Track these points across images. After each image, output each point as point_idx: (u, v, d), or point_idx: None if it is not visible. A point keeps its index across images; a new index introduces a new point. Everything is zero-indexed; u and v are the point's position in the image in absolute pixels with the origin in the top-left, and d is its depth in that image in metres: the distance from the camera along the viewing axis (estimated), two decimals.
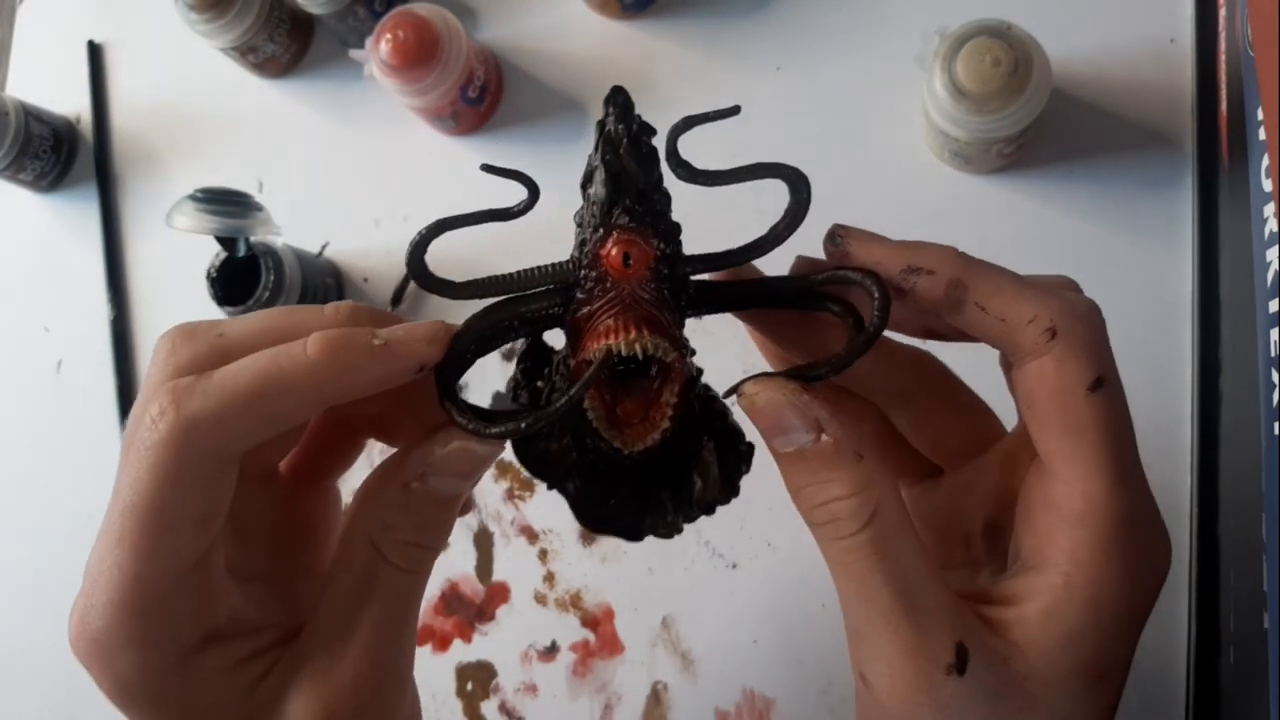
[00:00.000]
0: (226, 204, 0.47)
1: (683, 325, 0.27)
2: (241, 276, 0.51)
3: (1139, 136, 0.44)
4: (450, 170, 0.55)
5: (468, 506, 0.38)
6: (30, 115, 0.62)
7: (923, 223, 0.47)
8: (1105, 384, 0.26)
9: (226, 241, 0.49)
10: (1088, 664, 0.25)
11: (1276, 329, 0.31)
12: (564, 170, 0.54)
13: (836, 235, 0.27)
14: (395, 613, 0.28)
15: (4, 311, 0.65)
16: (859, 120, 0.49)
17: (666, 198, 0.27)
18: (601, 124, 0.27)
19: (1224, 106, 0.41)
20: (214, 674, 0.26)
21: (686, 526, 0.30)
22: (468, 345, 0.27)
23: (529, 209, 0.27)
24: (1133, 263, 0.43)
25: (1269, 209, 0.32)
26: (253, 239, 0.50)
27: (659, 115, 0.55)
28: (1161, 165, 0.44)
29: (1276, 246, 0.31)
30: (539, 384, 0.28)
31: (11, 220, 0.66)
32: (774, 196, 0.30)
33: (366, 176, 0.57)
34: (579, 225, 0.27)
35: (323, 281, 0.54)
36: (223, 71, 0.62)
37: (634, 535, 0.29)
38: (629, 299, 0.26)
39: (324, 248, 0.57)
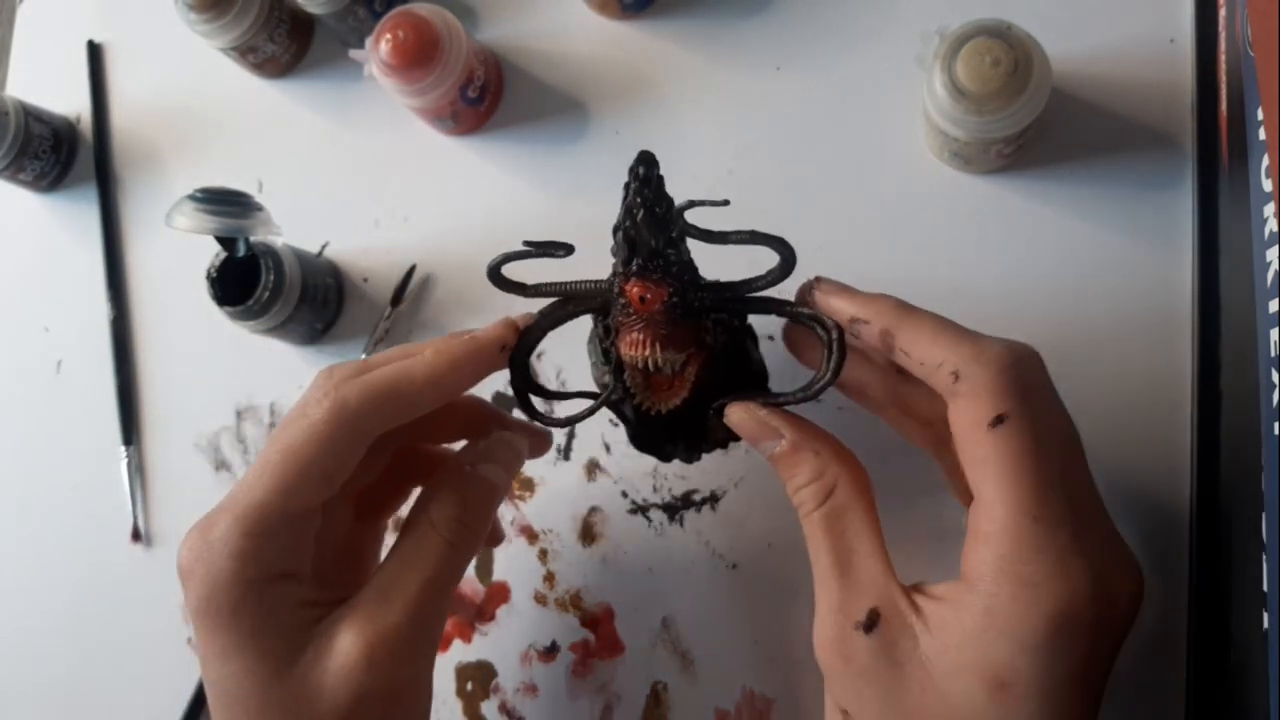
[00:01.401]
0: (226, 204, 0.47)
1: (702, 321, 0.35)
2: (241, 276, 0.51)
3: (1139, 136, 0.44)
4: (450, 170, 0.55)
5: (498, 536, 0.46)
6: (30, 115, 0.62)
7: (922, 223, 0.47)
8: (1007, 420, 0.29)
9: (226, 241, 0.49)
10: (982, 668, 0.28)
11: (1276, 329, 0.31)
12: (564, 170, 0.54)
13: (811, 287, 0.35)
14: (436, 579, 0.34)
15: (4, 311, 0.65)
16: (859, 120, 0.49)
17: (679, 246, 0.34)
18: (627, 186, 0.34)
19: (1224, 106, 0.41)
20: (285, 603, 0.33)
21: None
22: (534, 340, 0.37)
23: (568, 255, 0.35)
24: (1133, 263, 0.43)
25: (1269, 209, 0.32)
26: (253, 239, 0.50)
27: (659, 115, 0.55)
28: (1161, 165, 0.44)
29: (1276, 246, 0.31)
30: (606, 346, 0.38)
31: (11, 220, 0.66)
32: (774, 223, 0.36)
33: (366, 176, 0.57)
34: (612, 252, 0.35)
35: (323, 281, 0.54)
36: (223, 71, 0.62)
37: (663, 458, 0.40)
38: (649, 320, 0.34)
39: (324, 248, 0.57)
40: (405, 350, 0.36)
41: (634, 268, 0.34)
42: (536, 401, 0.38)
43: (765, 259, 0.35)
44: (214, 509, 0.33)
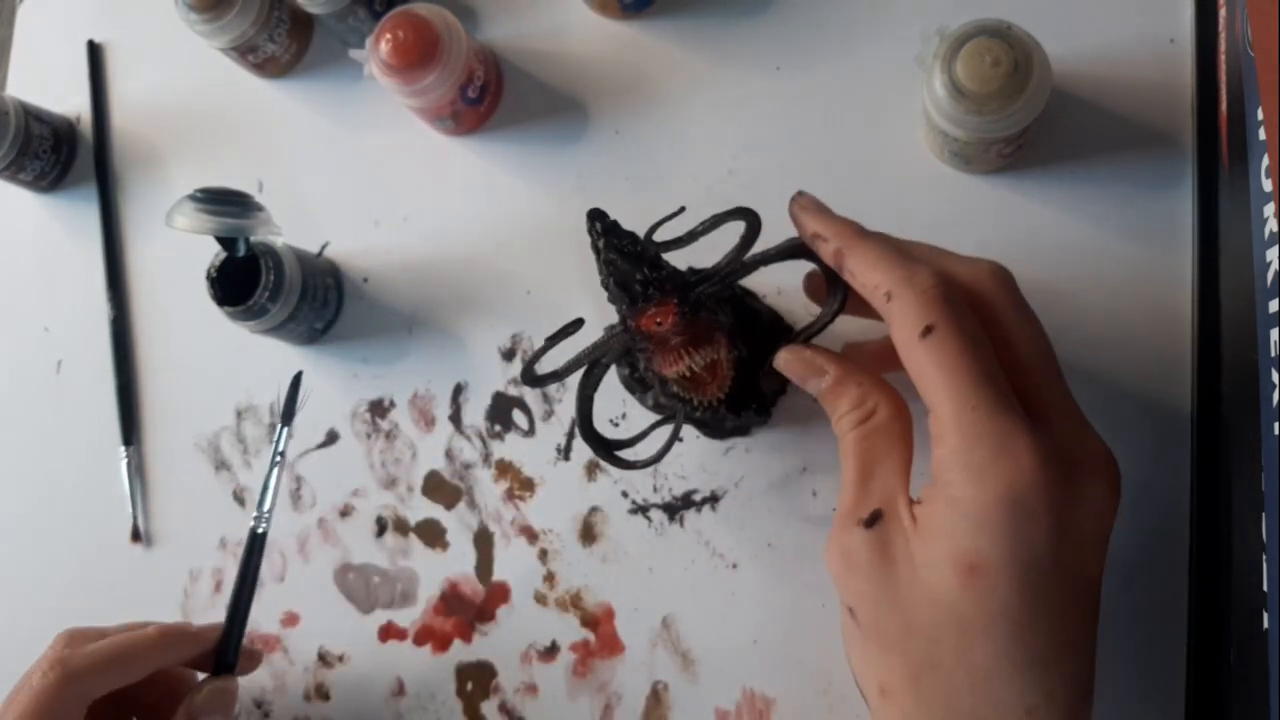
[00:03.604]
0: (226, 204, 0.47)
1: (714, 309, 0.39)
2: (241, 276, 0.51)
3: (1139, 136, 0.44)
4: (450, 170, 0.55)
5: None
6: (30, 115, 0.62)
7: (922, 223, 0.47)
8: (935, 329, 0.31)
9: (226, 241, 0.49)
10: (953, 555, 0.30)
11: (1276, 329, 0.31)
12: (564, 170, 0.54)
13: (793, 200, 0.37)
14: None
15: (4, 311, 0.65)
16: (859, 120, 0.49)
17: (661, 262, 0.38)
18: (593, 244, 0.38)
19: (1224, 106, 0.41)
20: None
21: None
22: (588, 410, 0.41)
23: (581, 328, 0.39)
24: (1133, 263, 0.43)
25: (1269, 209, 0.32)
26: (253, 239, 0.50)
27: (659, 115, 0.55)
28: (1161, 165, 0.44)
29: (1276, 246, 0.31)
30: (642, 377, 0.45)
31: (11, 220, 0.66)
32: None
33: (366, 176, 0.57)
34: (611, 301, 0.39)
35: (323, 281, 0.54)
36: (223, 71, 0.62)
37: (744, 434, 0.46)
38: (669, 337, 0.38)
39: (324, 248, 0.57)
40: (131, 625, 0.45)
41: (639, 305, 0.38)
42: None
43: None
44: None
